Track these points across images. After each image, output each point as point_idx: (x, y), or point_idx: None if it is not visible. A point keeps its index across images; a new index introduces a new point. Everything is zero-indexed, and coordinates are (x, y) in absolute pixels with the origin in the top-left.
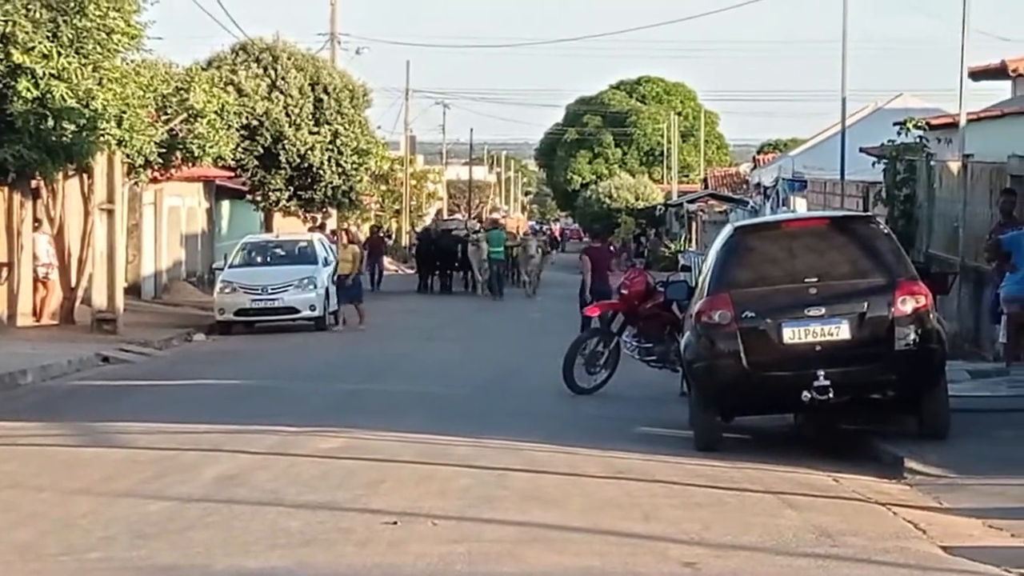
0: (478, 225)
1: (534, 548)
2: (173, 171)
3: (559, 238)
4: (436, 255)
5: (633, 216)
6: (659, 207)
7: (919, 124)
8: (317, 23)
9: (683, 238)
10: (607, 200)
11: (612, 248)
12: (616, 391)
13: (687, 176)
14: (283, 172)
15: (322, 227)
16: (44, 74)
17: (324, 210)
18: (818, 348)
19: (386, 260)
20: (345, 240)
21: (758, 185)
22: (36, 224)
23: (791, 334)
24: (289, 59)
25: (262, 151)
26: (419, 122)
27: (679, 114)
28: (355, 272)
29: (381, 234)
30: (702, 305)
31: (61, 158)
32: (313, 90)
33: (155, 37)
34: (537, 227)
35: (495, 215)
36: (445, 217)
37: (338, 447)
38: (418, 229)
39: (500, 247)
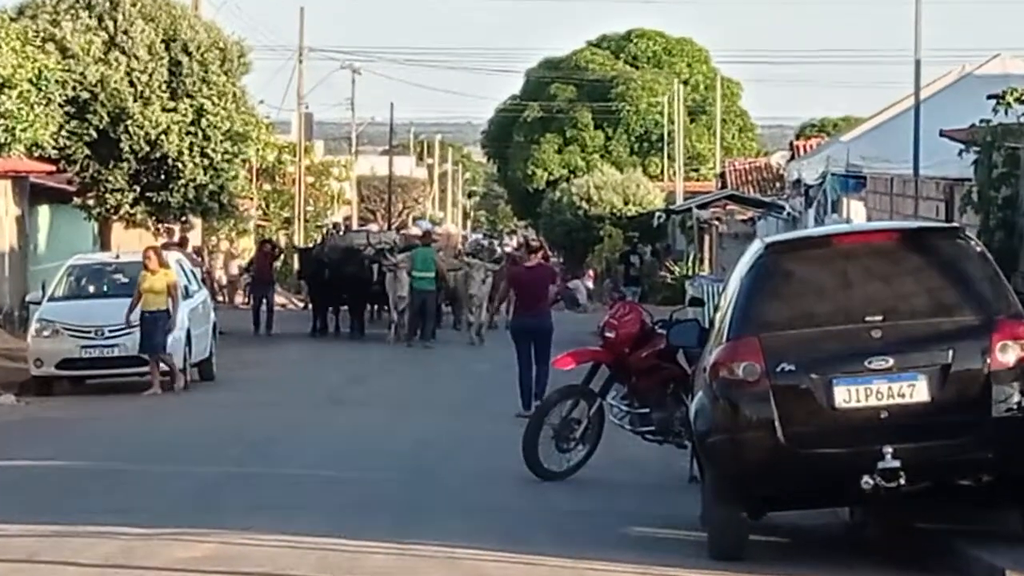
0: (395, 237)
1: None
2: None
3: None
4: (334, 283)
5: (621, 227)
6: (658, 214)
7: None
8: None
9: (692, 258)
10: (584, 204)
11: (551, 266)
12: (598, 475)
13: (697, 171)
14: (126, 165)
15: (182, 243)
16: None
17: (184, 219)
18: (884, 415)
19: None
20: (155, 261)
21: (797, 183)
22: None
23: (846, 395)
24: (134, 6)
25: (96, 136)
26: (318, 94)
27: (685, 83)
28: (165, 309)
29: (274, 252)
30: (721, 354)
31: None
32: (168, 49)
33: None
34: (485, 242)
35: (421, 223)
36: (355, 228)
37: (204, 556)
38: (303, 244)
39: (430, 272)
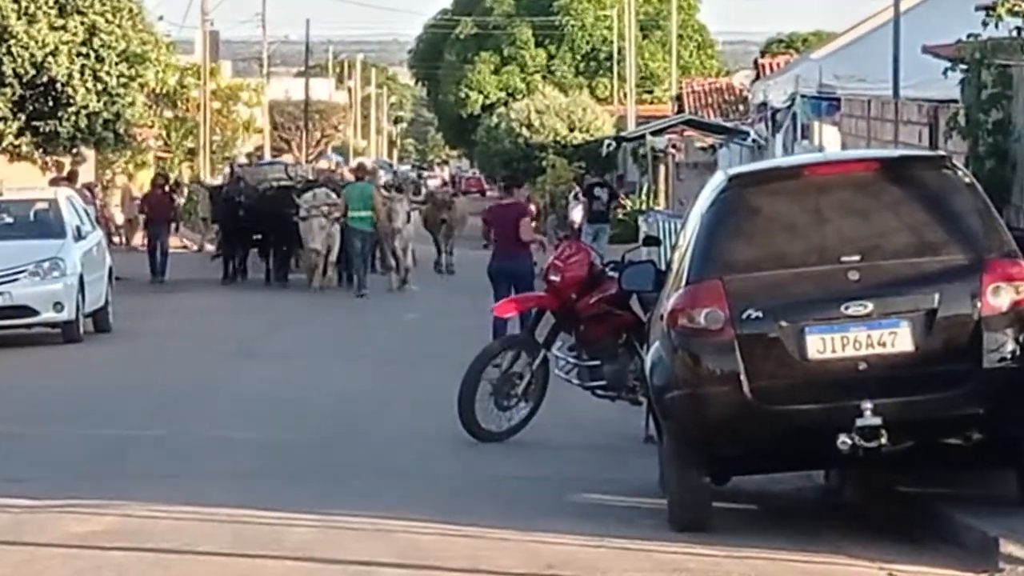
0: (312, 173)
1: None
2: None
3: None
4: (250, 224)
5: (566, 157)
6: (607, 142)
7: (1017, 7)
8: None
9: (646, 191)
10: (524, 131)
11: (529, 205)
12: (543, 436)
13: (651, 92)
14: (8, 91)
15: (71, 177)
16: None
17: (75, 151)
18: (862, 367)
19: (175, 231)
20: None
21: (763, 105)
22: None
23: (820, 345)
24: None
25: None
26: (225, 10)
27: None
28: None
29: (167, 189)
30: (680, 300)
31: None
32: None
33: None
34: (413, 175)
35: (331, 156)
36: (267, 160)
37: (102, 531)
38: (212, 182)
39: (366, 210)
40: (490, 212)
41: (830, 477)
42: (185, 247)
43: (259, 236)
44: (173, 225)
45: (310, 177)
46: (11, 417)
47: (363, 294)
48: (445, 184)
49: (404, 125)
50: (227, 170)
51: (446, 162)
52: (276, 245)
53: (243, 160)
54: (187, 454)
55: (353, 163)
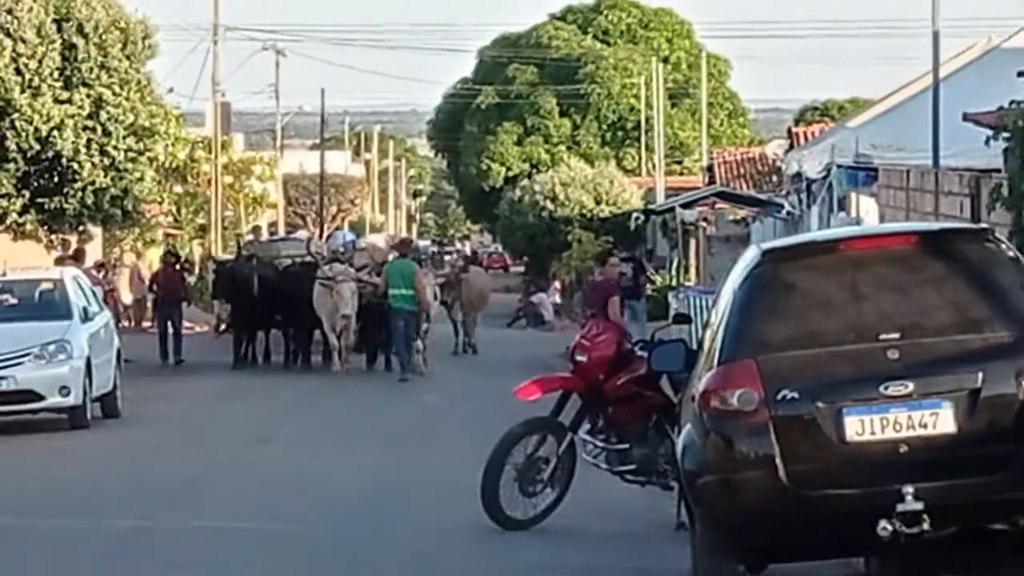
0: (326, 249)
1: None
2: None
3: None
4: (265, 303)
5: (592, 231)
6: (635, 215)
7: None
8: None
9: (676, 266)
10: (548, 204)
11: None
12: (571, 523)
13: (680, 163)
14: (12, 166)
15: (77, 256)
16: None
17: (82, 229)
18: (903, 449)
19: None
20: None
21: (797, 176)
22: None
23: (858, 427)
24: None
25: None
26: (237, 80)
27: (665, 61)
28: None
29: (180, 266)
30: (712, 380)
31: None
32: (60, 31)
33: None
34: (434, 249)
35: (339, 235)
36: (281, 235)
37: None
38: (221, 257)
39: (407, 288)
40: (587, 287)
41: (870, 564)
42: (191, 327)
43: (280, 316)
44: (185, 305)
45: (325, 254)
46: (14, 508)
47: (405, 379)
48: (466, 259)
49: (423, 199)
50: (249, 242)
51: (467, 237)
52: (298, 325)
53: (249, 236)
54: (199, 547)
55: (379, 236)
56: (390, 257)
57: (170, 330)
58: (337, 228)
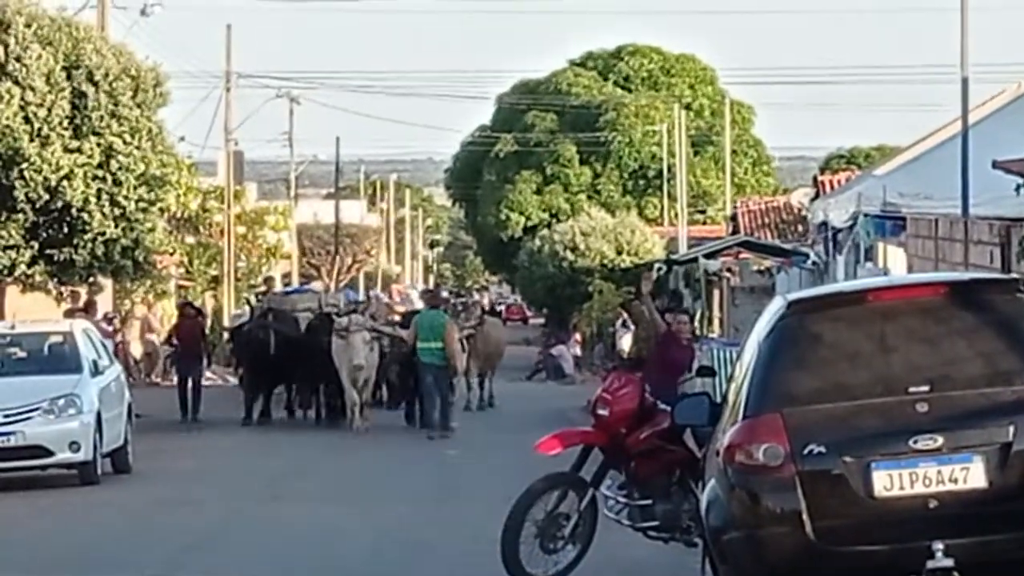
0: (343, 302)
1: None
2: None
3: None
4: (283, 359)
5: (613, 281)
6: (658, 266)
7: None
8: None
9: (699, 317)
10: (568, 255)
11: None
12: None
13: (703, 212)
14: (21, 217)
15: (87, 308)
16: None
17: (92, 280)
18: (933, 505)
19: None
20: None
21: (823, 225)
22: None
23: (887, 481)
24: (29, 26)
25: None
26: (250, 129)
27: (687, 108)
28: None
29: (199, 317)
30: (737, 435)
31: None
32: (70, 78)
33: None
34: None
35: (349, 294)
36: (295, 286)
37: None
38: (236, 317)
39: (438, 342)
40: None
41: None
42: (212, 379)
43: (300, 371)
44: (205, 359)
45: (354, 304)
46: (23, 566)
47: (433, 436)
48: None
49: (441, 249)
50: (262, 293)
51: (485, 288)
52: (320, 380)
53: (262, 287)
54: None
55: (342, 300)
56: (420, 307)
57: (188, 384)
58: (351, 279)
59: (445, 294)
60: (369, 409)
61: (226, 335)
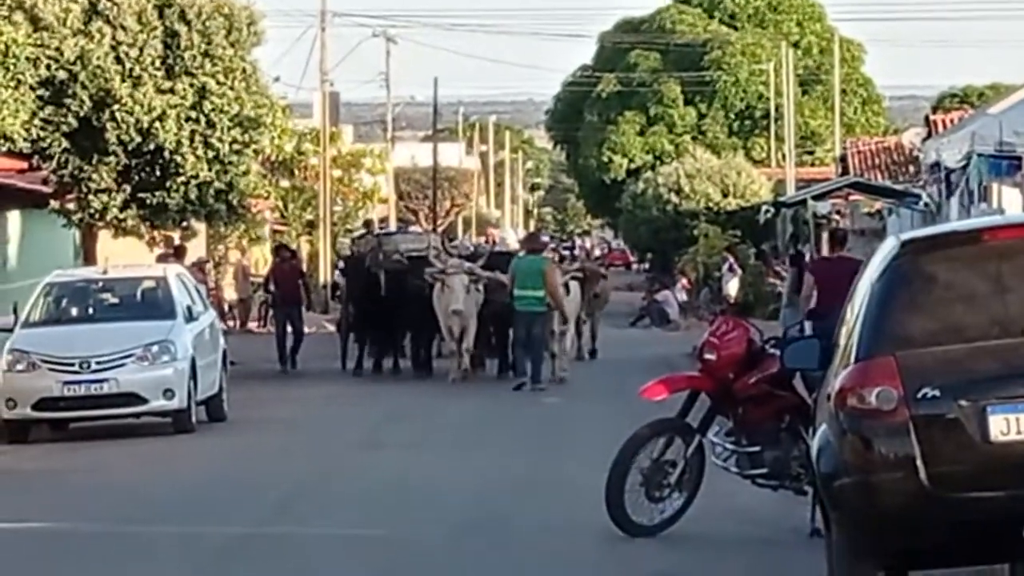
0: (442, 246)
1: None
2: None
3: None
4: (385, 303)
5: (719, 225)
6: (765, 208)
7: None
8: None
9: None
10: (673, 197)
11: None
12: (699, 530)
13: (811, 153)
14: (113, 160)
15: (179, 253)
16: None
17: (185, 224)
18: None
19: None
20: None
21: (936, 166)
22: None
23: (1003, 426)
24: None
25: (76, 125)
26: (346, 69)
27: (795, 46)
28: None
29: (295, 260)
30: (849, 378)
31: None
32: (162, 17)
33: None
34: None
35: (506, 231)
36: (392, 229)
37: None
38: (345, 251)
39: (538, 288)
40: (818, 264)
41: (1016, 570)
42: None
43: (402, 318)
44: (305, 303)
45: (454, 248)
46: (116, 516)
47: (522, 385)
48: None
49: (541, 193)
50: (360, 237)
51: (588, 232)
52: (417, 328)
53: (361, 231)
54: (309, 556)
55: (503, 231)
56: (520, 253)
57: (285, 331)
58: (450, 224)
59: (545, 238)
60: (470, 357)
61: (340, 264)
